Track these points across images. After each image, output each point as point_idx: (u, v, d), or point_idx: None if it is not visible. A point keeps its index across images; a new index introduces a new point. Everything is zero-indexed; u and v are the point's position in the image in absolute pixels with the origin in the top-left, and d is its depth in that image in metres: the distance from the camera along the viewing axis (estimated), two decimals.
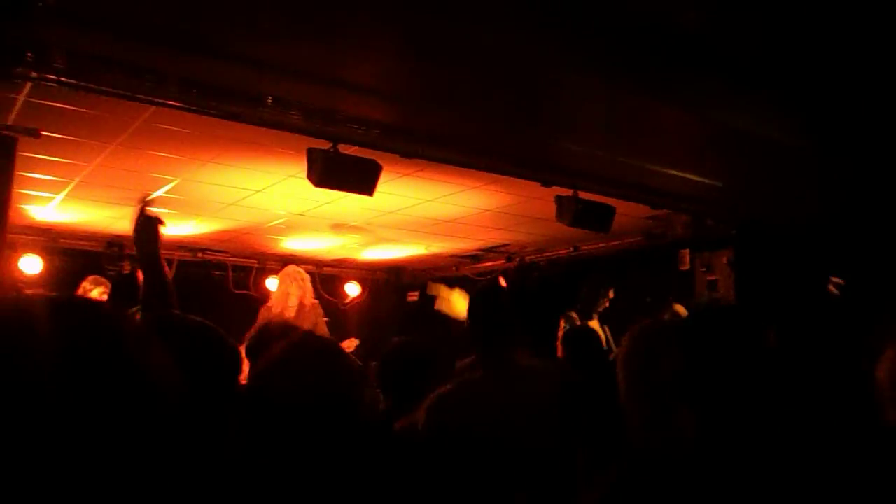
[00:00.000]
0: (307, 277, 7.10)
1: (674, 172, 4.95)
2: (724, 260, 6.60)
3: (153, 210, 3.17)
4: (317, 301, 7.24)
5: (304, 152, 4.40)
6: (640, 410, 2.02)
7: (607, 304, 6.28)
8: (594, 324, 6.18)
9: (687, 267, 6.92)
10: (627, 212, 5.92)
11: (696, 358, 1.55)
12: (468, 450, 2.52)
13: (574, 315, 6.14)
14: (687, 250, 6.92)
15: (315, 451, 1.79)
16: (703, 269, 6.76)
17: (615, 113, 4.03)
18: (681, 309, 5.92)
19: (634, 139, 4.46)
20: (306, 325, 6.76)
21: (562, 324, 6.02)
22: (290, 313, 6.81)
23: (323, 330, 6.88)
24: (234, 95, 3.82)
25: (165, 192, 5.96)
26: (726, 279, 6.56)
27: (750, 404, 1.47)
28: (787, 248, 5.59)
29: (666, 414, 1.63)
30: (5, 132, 3.81)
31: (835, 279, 5.23)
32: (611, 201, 5.56)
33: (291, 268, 7.12)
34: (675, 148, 4.64)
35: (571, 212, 5.39)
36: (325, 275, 9.32)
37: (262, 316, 6.70)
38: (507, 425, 2.60)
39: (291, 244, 8.14)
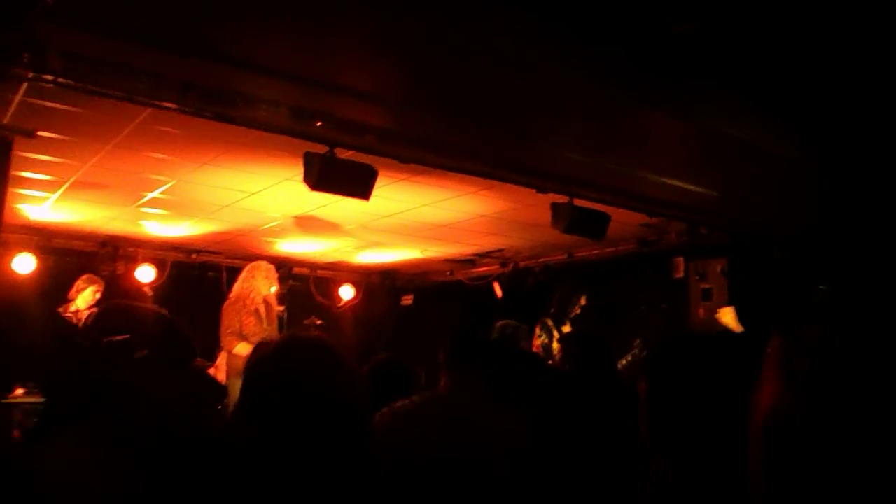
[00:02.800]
0: (276, 275, 6.79)
1: (670, 181, 4.97)
2: (719, 269, 6.62)
3: None
4: (276, 303, 6.94)
5: (301, 156, 4.40)
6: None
7: (579, 311, 6.31)
8: (566, 329, 6.22)
9: (681, 275, 6.94)
10: (622, 219, 5.93)
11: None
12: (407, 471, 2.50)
13: (549, 322, 6.17)
14: (681, 258, 6.94)
15: (305, 451, 1.77)
16: (697, 278, 6.78)
17: (613, 121, 4.03)
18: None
19: (631, 148, 4.47)
20: (272, 325, 6.61)
21: (537, 331, 6.06)
22: (262, 309, 6.50)
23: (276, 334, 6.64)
24: (230, 98, 3.81)
25: (160, 194, 5.94)
26: (720, 288, 6.58)
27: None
28: (782, 258, 5.61)
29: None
30: (2, 132, 3.79)
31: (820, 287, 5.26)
32: (606, 208, 5.57)
33: (262, 263, 6.80)
34: (671, 157, 4.65)
35: (566, 219, 5.40)
36: (320, 277, 9.32)
37: (227, 313, 6.41)
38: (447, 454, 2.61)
39: (286, 247, 8.13)
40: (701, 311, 6.72)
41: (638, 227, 6.61)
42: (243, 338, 6.30)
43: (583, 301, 6.35)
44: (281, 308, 8.19)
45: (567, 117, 3.97)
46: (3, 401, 6.30)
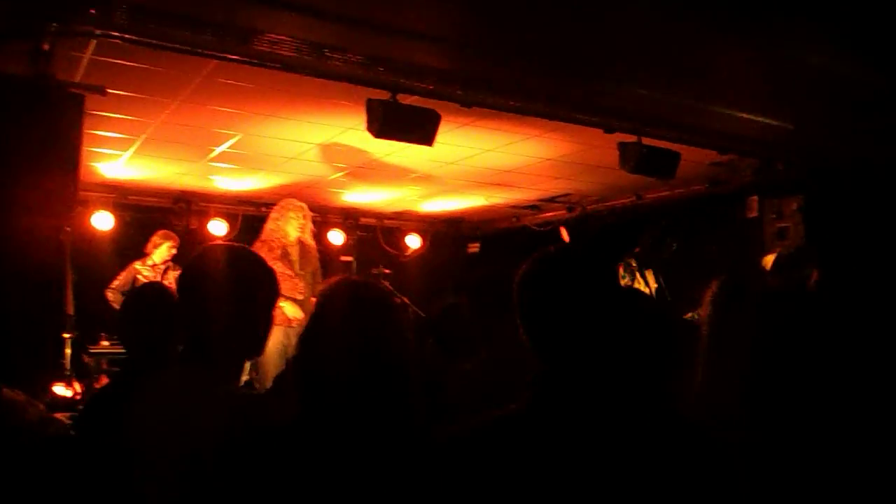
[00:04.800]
0: (309, 214, 6.36)
1: (742, 115, 4.79)
2: (795, 206, 6.39)
3: None
4: (315, 244, 6.52)
5: (363, 104, 4.39)
6: None
7: (667, 257, 6.20)
8: (649, 274, 6.12)
9: (755, 214, 6.73)
10: (692, 158, 5.76)
11: None
12: None
13: (633, 263, 6.08)
14: (755, 196, 6.72)
15: (362, 404, 1.75)
16: (773, 217, 6.56)
17: (681, 52, 3.88)
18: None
19: (701, 80, 4.31)
20: (308, 269, 6.26)
21: (620, 272, 5.97)
22: (293, 252, 6.18)
23: (318, 279, 6.34)
24: (293, 46, 3.81)
25: (229, 148, 6.03)
26: (796, 226, 6.36)
27: None
28: (863, 192, 5.37)
29: None
30: (73, 89, 3.88)
31: None
32: (676, 146, 5.42)
33: (291, 200, 6.38)
34: (744, 89, 4.46)
35: (635, 158, 5.27)
36: (386, 227, 9.39)
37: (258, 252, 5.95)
38: None
39: (352, 197, 8.20)
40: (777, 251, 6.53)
41: (709, 165, 6.42)
42: None
43: (673, 248, 6.21)
44: (350, 258, 8.24)
45: (634, 49, 3.84)
46: (92, 350, 6.61)
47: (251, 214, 8.33)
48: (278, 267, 5.86)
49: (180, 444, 1.77)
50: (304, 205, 6.40)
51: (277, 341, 5.70)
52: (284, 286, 5.96)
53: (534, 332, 1.54)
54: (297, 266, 6.22)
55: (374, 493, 1.64)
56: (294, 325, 5.93)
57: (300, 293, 6.14)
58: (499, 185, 7.49)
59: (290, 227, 6.20)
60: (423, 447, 1.76)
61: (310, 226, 6.42)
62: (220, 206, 8.15)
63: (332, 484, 1.66)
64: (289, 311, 6.01)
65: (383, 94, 4.30)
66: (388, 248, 9.29)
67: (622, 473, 1.39)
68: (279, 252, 6.12)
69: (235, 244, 2.14)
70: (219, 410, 1.80)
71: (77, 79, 4.20)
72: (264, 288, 2.04)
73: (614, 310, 1.55)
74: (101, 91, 4.11)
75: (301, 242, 6.30)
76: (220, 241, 2.31)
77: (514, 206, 8.75)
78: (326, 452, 1.69)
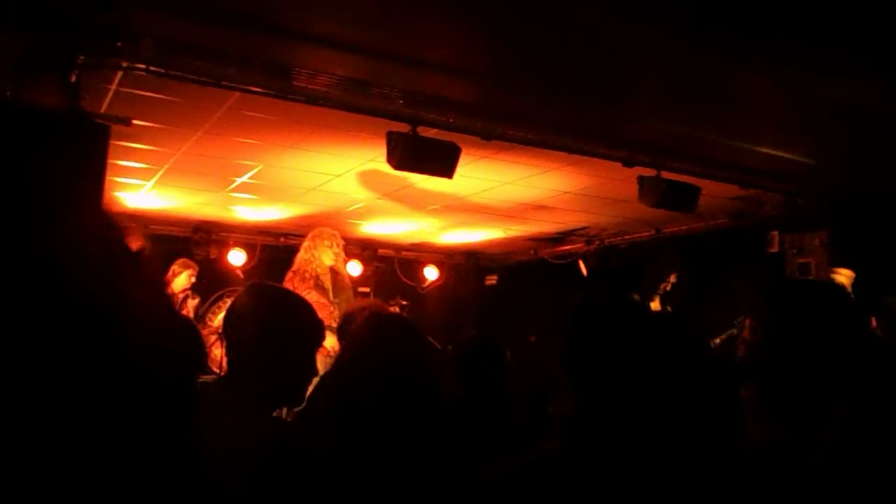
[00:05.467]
0: (342, 242, 6.28)
1: (764, 150, 4.76)
2: (817, 242, 6.33)
3: None
4: (347, 274, 6.46)
5: (384, 136, 4.41)
6: None
7: (668, 288, 6.19)
8: (655, 304, 6.09)
9: (776, 249, 6.66)
10: (713, 192, 5.73)
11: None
12: None
13: (637, 297, 6.06)
14: (776, 231, 6.66)
15: (394, 424, 1.77)
16: (794, 252, 6.49)
17: (701, 86, 3.88)
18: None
19: (722, 114, 4.30)
20: (343, 296, 6.20)
21: None
22: (326, 280, 6.12)
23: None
24: (316, 79, 3.85)
25: (249, 178, 6.08)
26: (820, 261, 6.29)
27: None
28: (887, 226, 5.30)
29: None
30: (99, 120, 3.93)
31: None
32: (696, 181, 5.39)
33: (323, 229, 6.29)
34: (765, 123, 4.45)
35: (655, 192, 5.25)
36: (404, 259, 9.39)
37: (289, 283, 5.88)
38: None
39: (371, 228, 8.22)
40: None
41: (730, 200, 6.38)
42: None
43: (673, 278, 6.22)
44: (367, 289, 8.22)
45: (654, 83, 3.85)
46: None
47: (270, 244, 8.38)
48: (313, 296, 5.77)
49: (217, 474, 1.76)
50: (336, 233, 6.33)
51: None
52: (320, 315, 5.86)
53: (579, 372, 1.53)
54: (331, 294, 6.20)
55: None
56: (332, 354, 5.88)
57: (336, 321, 6.12)
58: (517, 217, 7.48)
59: (325, 256, 6.14)
60: (459, 484, 1.76)
61: (342, 254, 6.37)
62: (239, 235, 8.21)
63: None
64: (326, 341, 5.95)
65: (403, 127, 4.33)
66: (405, 280, 9.28)
67: None
68: (312, 282, 6.06)
69: (283, 288, 2.17)
70: (255, 439, 1.80)
71: (102, 109, 4.26)
72: (305, 337, 2.04)
73: (661, 354, 1.52)
74: (126, 122, 4.17)
75: (333, 270, 6.25)
76: (269, 283, 2.29)
77: (532, 239, 8.73)
78: (360, 480, 1.69)
